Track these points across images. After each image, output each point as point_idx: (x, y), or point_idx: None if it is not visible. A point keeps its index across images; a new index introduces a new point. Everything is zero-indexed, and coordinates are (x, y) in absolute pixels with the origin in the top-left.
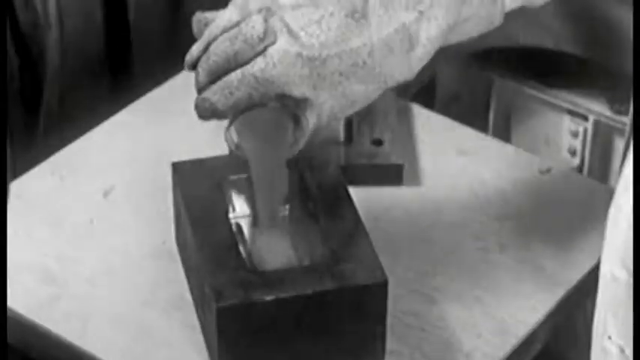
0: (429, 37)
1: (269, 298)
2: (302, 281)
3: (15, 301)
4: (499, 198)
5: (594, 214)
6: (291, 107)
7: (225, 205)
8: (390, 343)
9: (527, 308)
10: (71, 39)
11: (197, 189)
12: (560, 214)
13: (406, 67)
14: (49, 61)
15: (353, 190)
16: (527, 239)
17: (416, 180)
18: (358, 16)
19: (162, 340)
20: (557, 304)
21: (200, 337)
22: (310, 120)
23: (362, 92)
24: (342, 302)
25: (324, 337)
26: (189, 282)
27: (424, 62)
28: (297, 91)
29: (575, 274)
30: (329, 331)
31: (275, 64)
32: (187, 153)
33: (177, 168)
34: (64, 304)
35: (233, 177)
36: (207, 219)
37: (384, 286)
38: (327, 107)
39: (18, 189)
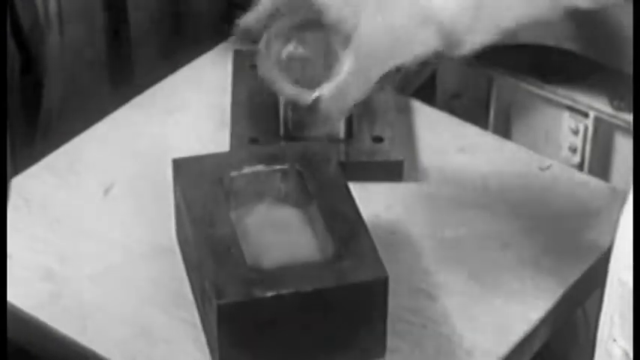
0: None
1: (270, 294)
2: (302, 278)
3: (15, 298)
4: (499, 195)
5: (595, 211)
6: None
7: (225, 202)
8: (390, 340)
9: (528, 305)
10: (72, 37)
11: (198, 185)
12: (560, 211)
13: None
14: (50, 59)
15: (353, 187)
16: (528, 236)
17: (416, 177)
18: None
19: (163, 337)
20: (558, 301)
21: (201, 334)
22: None
23: None
24: (343, 299)
25: (324, 334)
26: (189, 279)
27: None
28: None
29: (575, 272)
30: (329, 328)
31: None
32: (188, 149)
33: (178, 164)
34: (65, 301)
35: (234, 173)
36: (208, 216)
37: (384, 282)
38: None
39: (18, 186)
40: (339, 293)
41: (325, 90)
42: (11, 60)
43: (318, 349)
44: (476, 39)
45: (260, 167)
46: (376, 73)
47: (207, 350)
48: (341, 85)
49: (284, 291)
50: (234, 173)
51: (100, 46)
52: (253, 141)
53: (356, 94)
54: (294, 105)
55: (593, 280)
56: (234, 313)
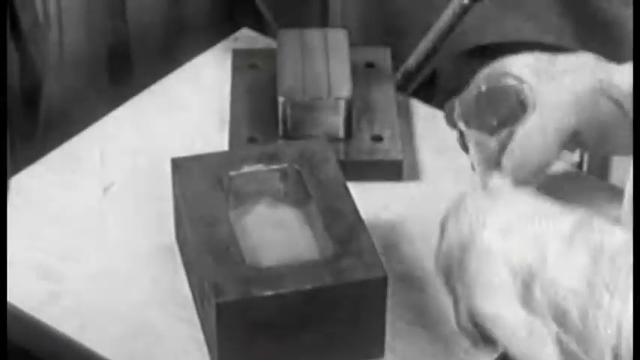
0: None
1: (268, 293)
2: (301, 277)
3: (15, 298)
4: None
5: (594, 209)
6: None
7: (224, 201)
8: (389, 339)
9: None
10: (71, 36)
11: (197, 185)
12: None
13: None
14: (49, 58)
15: (352, 186)
16: None
17: (415, 176)
18: None
19: (162, 336)
20: None
21: (200, 333)
22: None
23: None
24: (342, 298)
25: (323, 333)
26: (188, 278)
27: None
28: None
29: None
30: (328, 327)
31: None
32: (187, 148)
33: (177, 164)
34: (64, 300)
35: (233, 173)
36: (207, 215)
37: (383, 281)
38: None
39: (18, 185)
40: (338, 292)
41: (514, 141)
42: (10, 59)
43: (317, 348)
44: None
45: (259, 166)
46: (554, 129)
47: (206, 349)
48: (522, 139)
49: (283, 290)
50: (233, 172)
51: (99, 44)
52: (252, 140)
53: (537, 149)
54: (292, 104)
55: None
56: (232, 311)
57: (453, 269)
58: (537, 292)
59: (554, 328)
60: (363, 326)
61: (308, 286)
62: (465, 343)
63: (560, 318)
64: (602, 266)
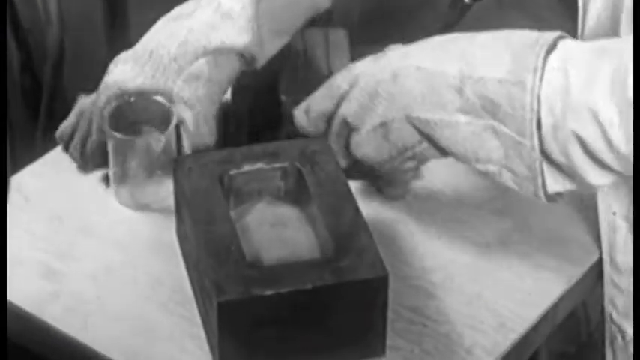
0: None
1: (269, 292)
2: (302, 276)
3: (15, 296)
4: (499, 193)
5: (595, 209)
6: None
7: (225, 200)
8: (390, 338)
9: (528, 303)
10: (71, 35)
11: (198, 183)
12: (561, 209)
13: None
14: (50, 56)
15: (353, 185)
16: (528, 234)
17: (416, 174)
18: None
19: (163, 335)
20: (558, 299)
21: (201, 332)
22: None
23: None
24: (343, 297)
25: (324, 332)
26: (189, 276)
27: None
28: None
29: (575, 270)
30: (329, 326)
31: None
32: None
33: (178, 162)
34: (65, 298)
35: (234, 171)
36: (208, 213)
37: (384, 280)
38: None
39: (18, 184)
40: (339, 291)
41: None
42: (11, 57)
43: (318, 347)
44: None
45: (260, 165)
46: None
47: (207, 347)
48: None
49: (283, 289)
50: (234, 171)
51: (100, 43)
52: (253, 139)
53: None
54: (293, 102)
55: (594, 278)
56: (233, 310)
57: (378, 103)
58: (469, 93)
59: (489, 121)
60: (364, 325)
61: (309, 285)
62: (466, 341)
63: (493, 109)
64: (521, 55)
